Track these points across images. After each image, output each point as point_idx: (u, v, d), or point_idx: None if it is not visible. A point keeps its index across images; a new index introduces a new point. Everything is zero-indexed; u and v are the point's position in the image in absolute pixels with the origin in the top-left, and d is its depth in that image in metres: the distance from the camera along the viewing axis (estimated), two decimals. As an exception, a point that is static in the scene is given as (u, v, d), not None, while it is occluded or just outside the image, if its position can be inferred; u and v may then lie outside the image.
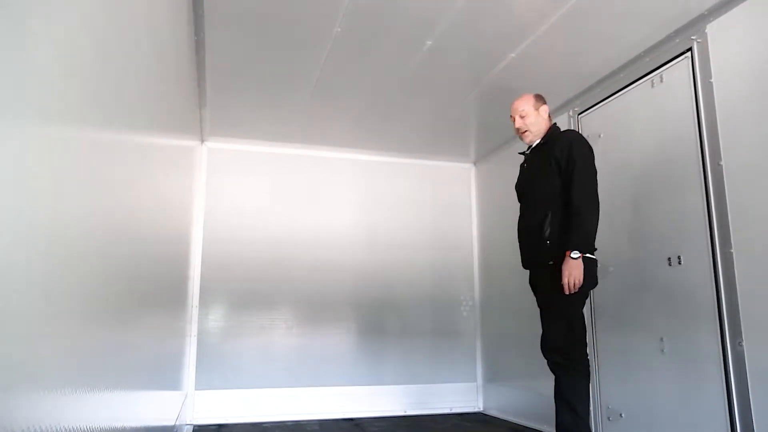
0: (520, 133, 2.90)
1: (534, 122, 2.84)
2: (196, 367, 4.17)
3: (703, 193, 2.66)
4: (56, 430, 0.67)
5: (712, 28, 2.66)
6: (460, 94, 3.72)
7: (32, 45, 0.56)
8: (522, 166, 2.99)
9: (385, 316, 4.67)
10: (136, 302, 1.37)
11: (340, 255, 4.65)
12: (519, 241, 2.91)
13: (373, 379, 4.52)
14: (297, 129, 4.33)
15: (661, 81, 2.99)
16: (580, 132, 3.02)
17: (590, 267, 2.56)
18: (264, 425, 4.02)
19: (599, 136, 3.46)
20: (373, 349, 4.58)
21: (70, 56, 0.70)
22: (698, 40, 2.73)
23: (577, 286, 2.52)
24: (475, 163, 5.16)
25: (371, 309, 4.64)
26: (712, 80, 2.64)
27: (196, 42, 2.94)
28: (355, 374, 4.49)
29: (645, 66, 3.09)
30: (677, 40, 2.86)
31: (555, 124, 2.92)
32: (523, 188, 2.95)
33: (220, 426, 4.00)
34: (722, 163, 2.56)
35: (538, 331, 2.83)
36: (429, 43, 3.03)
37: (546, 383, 2.94)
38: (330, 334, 4.51)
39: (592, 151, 2.72)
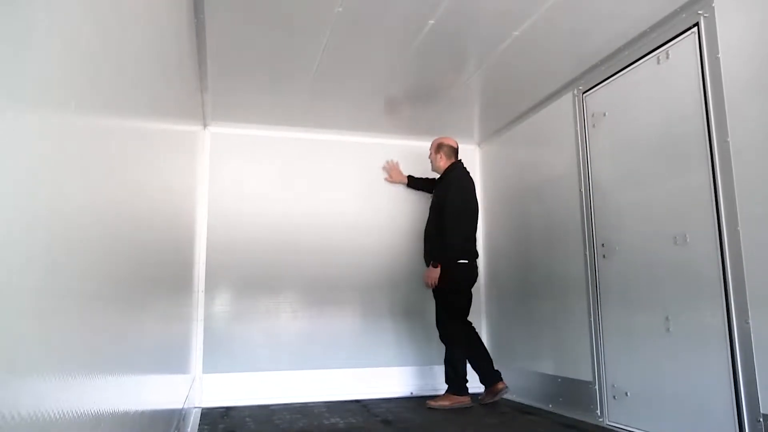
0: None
1: (432, 160, 4.36)
2: (204, 351, 4.20)
3: (710, 171, 2.64)
4: (65, 413, 0.67)
5: (720, 2, 2.61)
6: (463, 74, 3.68)
7: (29, 29, 0.55)
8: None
9: (390, 298, 4.69)
10: (142, 288, 1.37)
11: (344, 238, 4.65)
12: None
13: (380, 360, 4.55)
14: (300, 112, 4.31)
15: (667, 57, 2.95)
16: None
17: (448, 270, 3.97)
18: (271, 407, 4.06)
19: (604, 114, 3.43)
20: (378, 330, 4.60)
21: (68, 40, 0.69)
22: (705, 15, 2.69)
23: (427, 283, 4.06)
24: (479, 144, 5.13)
25: (376, 291, 4.66)
26: (719, 56, 2.60)
27: (197, 24, 2.91)
28: (361, 356, 4.52)
29: (650, 42, 3.05)
30: (683, 15, 2.82)
31: (454, 163, 4.19)
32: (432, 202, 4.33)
33: (228, 409, 4.04)
34: (729, 140, 2.53)
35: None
36: (431, 22, 2.99)
37: (548, 363, 2.95)
38: (336, 317, 4.53)
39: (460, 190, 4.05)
